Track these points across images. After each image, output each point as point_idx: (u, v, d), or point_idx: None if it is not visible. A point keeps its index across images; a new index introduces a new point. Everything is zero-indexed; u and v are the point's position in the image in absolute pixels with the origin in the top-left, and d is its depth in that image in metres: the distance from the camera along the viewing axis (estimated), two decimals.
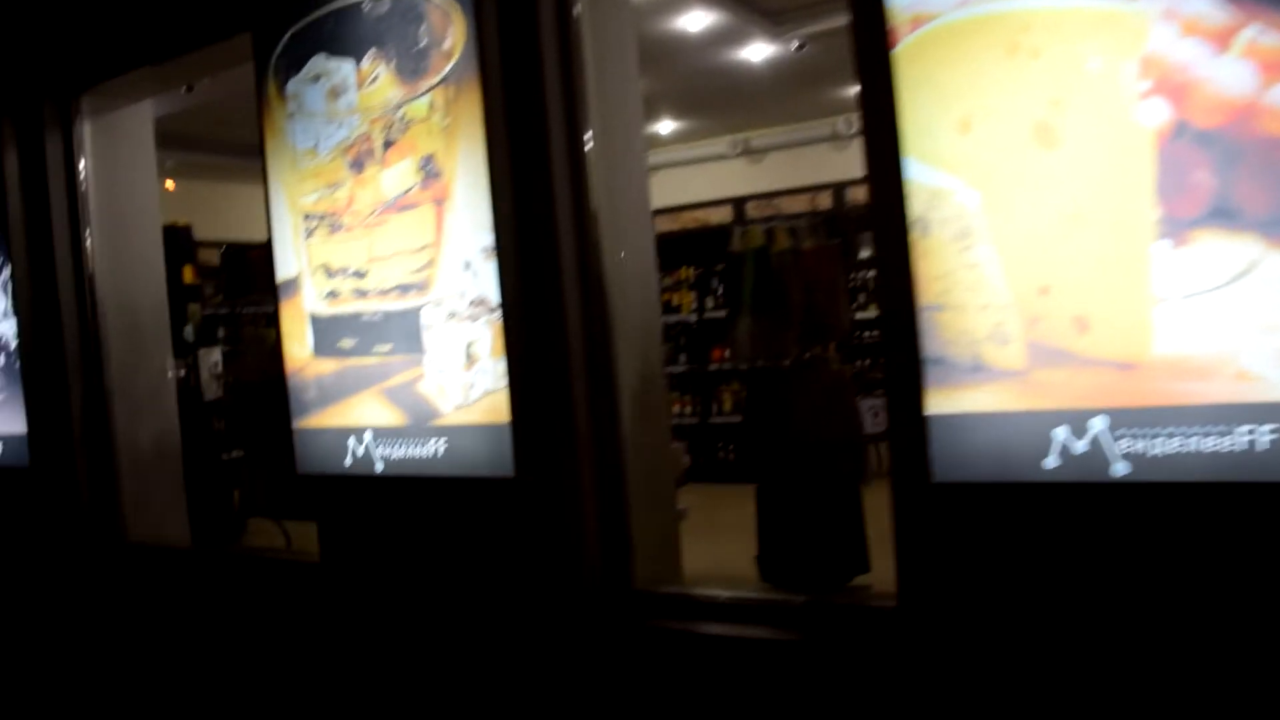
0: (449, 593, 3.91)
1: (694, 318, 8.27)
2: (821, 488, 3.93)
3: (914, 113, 2.88)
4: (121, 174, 5.60)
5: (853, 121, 8.54)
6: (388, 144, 3.77)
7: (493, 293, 3.55)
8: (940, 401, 2.92)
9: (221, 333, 6.14)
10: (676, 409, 7.92)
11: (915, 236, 2.91)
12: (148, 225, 5.72)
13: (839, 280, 4.05)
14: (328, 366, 4.01)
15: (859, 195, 8.33)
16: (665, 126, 9.53)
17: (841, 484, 3.97)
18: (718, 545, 4.82)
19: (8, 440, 5.43)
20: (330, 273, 3.96)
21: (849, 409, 3.96)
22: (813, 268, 3.91)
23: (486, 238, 3.55)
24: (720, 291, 6.64)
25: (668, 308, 8.00)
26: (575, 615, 3.67)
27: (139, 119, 5.71)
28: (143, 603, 5.14)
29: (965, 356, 2.87)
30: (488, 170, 3.54)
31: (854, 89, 3.23)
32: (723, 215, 9.61)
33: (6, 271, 5.33)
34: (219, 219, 8.42)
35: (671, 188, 9.30)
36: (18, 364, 5.33)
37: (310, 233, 4.02)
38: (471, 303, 3.60)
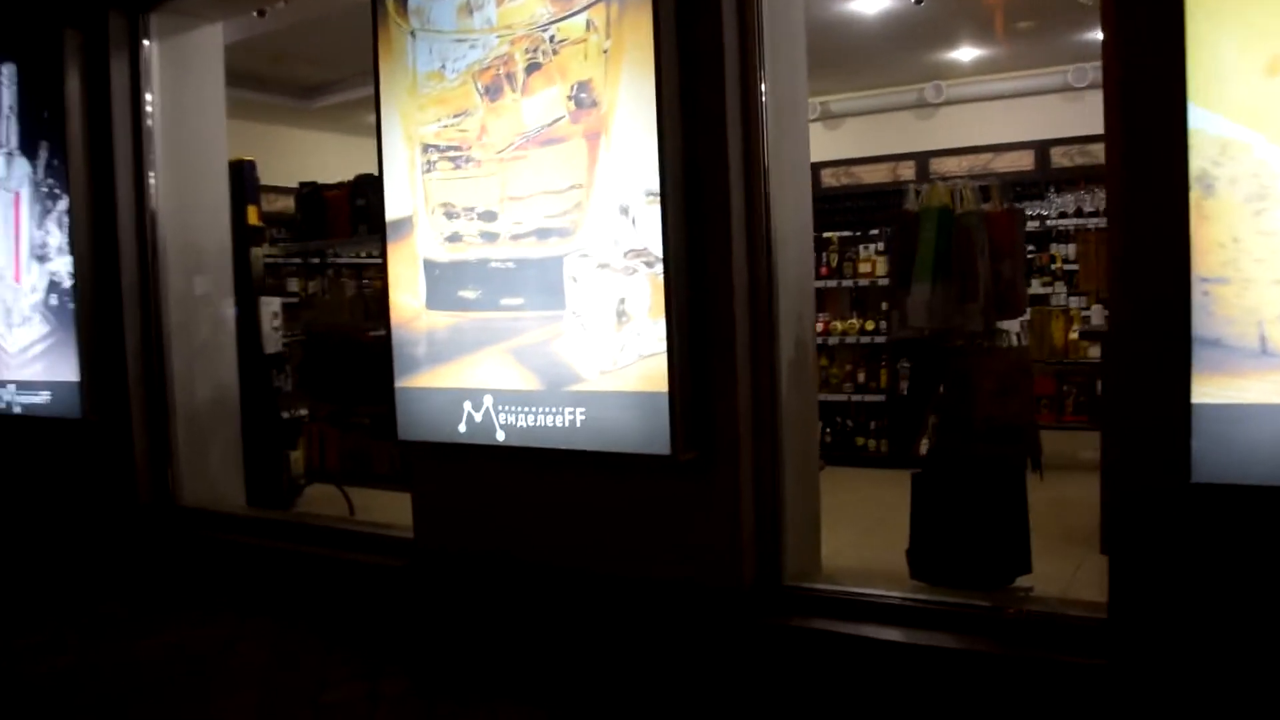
0: (571, 578, 3.48)
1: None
2: (992, 478, 3.51)
3: (1204, 52, 2.44)
4: (189, 102, 5.12)
5: (1087, 72, 7.75)
6: (532, 68, 3.30)
7: (654, 243, 3.10)
8: (1210, 390, 2.49)
9: (296, 283, 5.65)
10: None
11: (1196, 196, 2.47)
12: (214, 160, 5.24)
13: (1023, 249, 3.61)
14: (443, 319, 3.55)
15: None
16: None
17: (1012, 474, 3.56)
18: (849, 534, 4.40)
19: (56, 388, 4.96)
20: (452, 213, 3.50)
21: (1028, 392, 3.54)
22: (1001, 233, 3.46)
23: (650, 180, 3.09)
24: (859, 254, 6.02)
25: None
26: (726, 616, 3.24)
27: (210, 43, 5.22)
28: (199, 576, 4.70)
29: (1249, 339, 2.44)
30: (656, 103, 3.08)
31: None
32: (879, 174, 8.76)
33: (62, 204, 4.85)
34: (269, 164, 7.92)
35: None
36: (71, 305, 4.85)
37: (430, 167, 3.55)
38: (628, 253, 3.15)
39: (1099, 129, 2.90)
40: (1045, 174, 7.81)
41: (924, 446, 3.69)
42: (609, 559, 3.39)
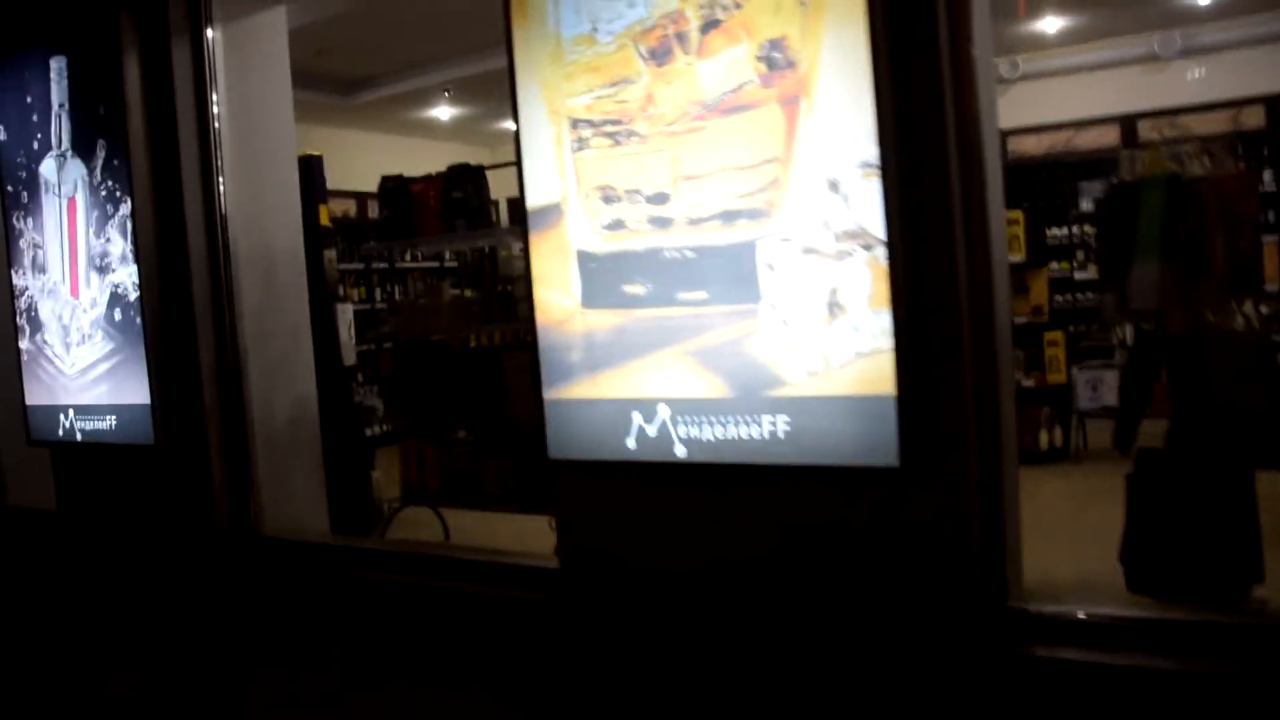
0: (759, 606, 3.03)
1: None
2: (1223, 475, 3.10)
3: None
4: (256, 92, 4.65)
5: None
6: (709, 26, 2.86)
7: (873, 223, 2.66)
8: None
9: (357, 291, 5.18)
10: None
11: None
12: (283, 156, 4.78)
13: (1258, 216, 3.20)
14: (604, 319, 3.10)
15: None
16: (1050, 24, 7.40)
17: (1243, 470, 3.15)
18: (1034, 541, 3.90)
19: (123, 412, 4.49)
20: (612, 197, 3.05)
21: (1272, 380, 3.12)
22: (1234, 201, 3.04)
23: (865, 149, 2.65)
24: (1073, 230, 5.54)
25: None
26: (951, 644, 2.81)
27: (275, 28, 4.75)
28: (291, 613, 4.24)
29: None
30: (872, 58, 2.64)
31: None
32: (1092, 139, 7.79)
33: (124, 208, 4.38)
34: None
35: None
36: (137, 319, 4.38)
37: (581, 145, 3.10)
38: (840, 235, 2.71)
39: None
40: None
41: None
42: (808, 587, 2.95)
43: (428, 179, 4.52)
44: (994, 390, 2.85)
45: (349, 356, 4.90)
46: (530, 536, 4.35)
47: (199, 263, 4.46)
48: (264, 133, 4.67)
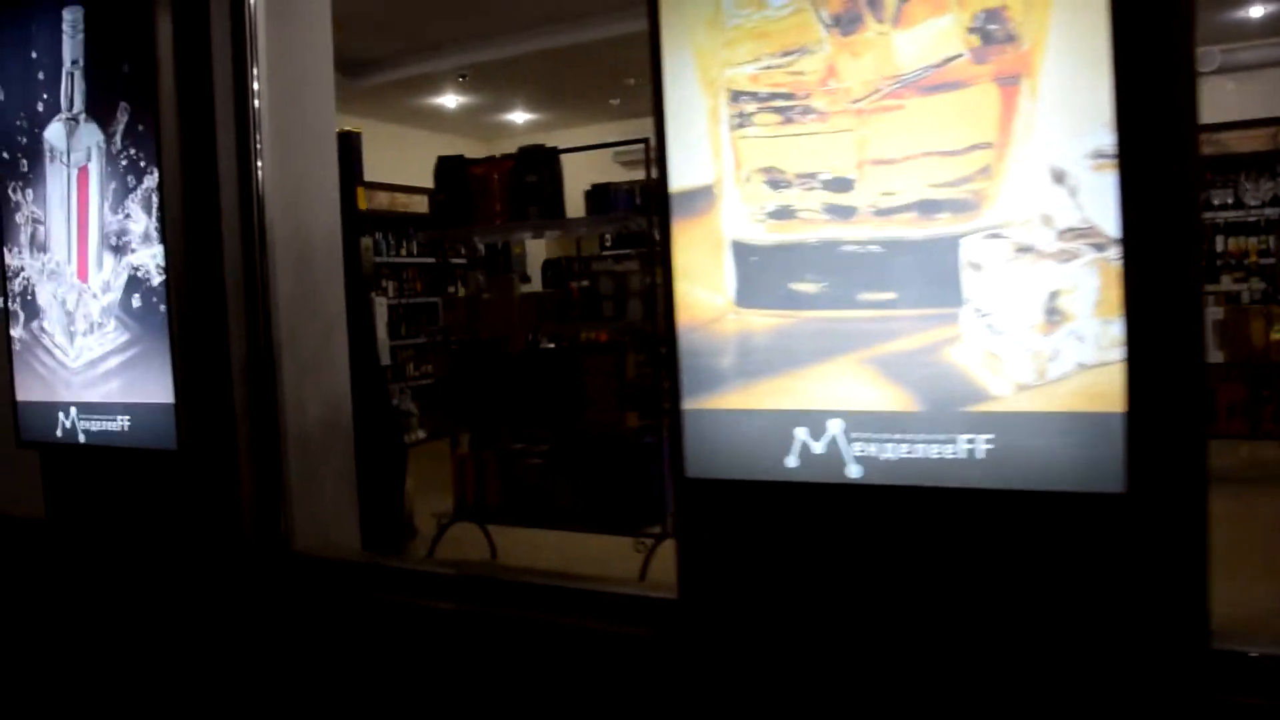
0: (947, 653, 2.70)
1: None
2: None
3: None
4: (297, 56, 4.20)
5: None
6: None
7: (1107, 220, 2.36)
8: None
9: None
10: None
11: None
12: (323, 130, 4.32)
13: None
14: (763, 320, 2.74)
15: None
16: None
17: None
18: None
19: (139, 412, 3.96)
20: (779, 181, 2.70)
21: None
22: None
23: (1100, 137, 2.35)
24: None
25: None
26: (1161, 688, 2.52)
27: None
28: (332, 644, 3.78)
29: None
30: (1111, 35, 2.34)
31: None
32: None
33: (150, 180, 3.86)
34: None
35: None
36: (161, 306, 3.87)
37: (743, 121, 2.74)
38: (1065, 233, 2.40)
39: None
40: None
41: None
42: (1011, 635, 2.62)
43: (491, 161, 4.10)
44: (1208, 402, 2.57)
45: (385, 355, 4.43)
46: (597, 559, 3.97)
47: (232, 245, 3.97)
48: (304, 103, 4.21)
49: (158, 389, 3.91)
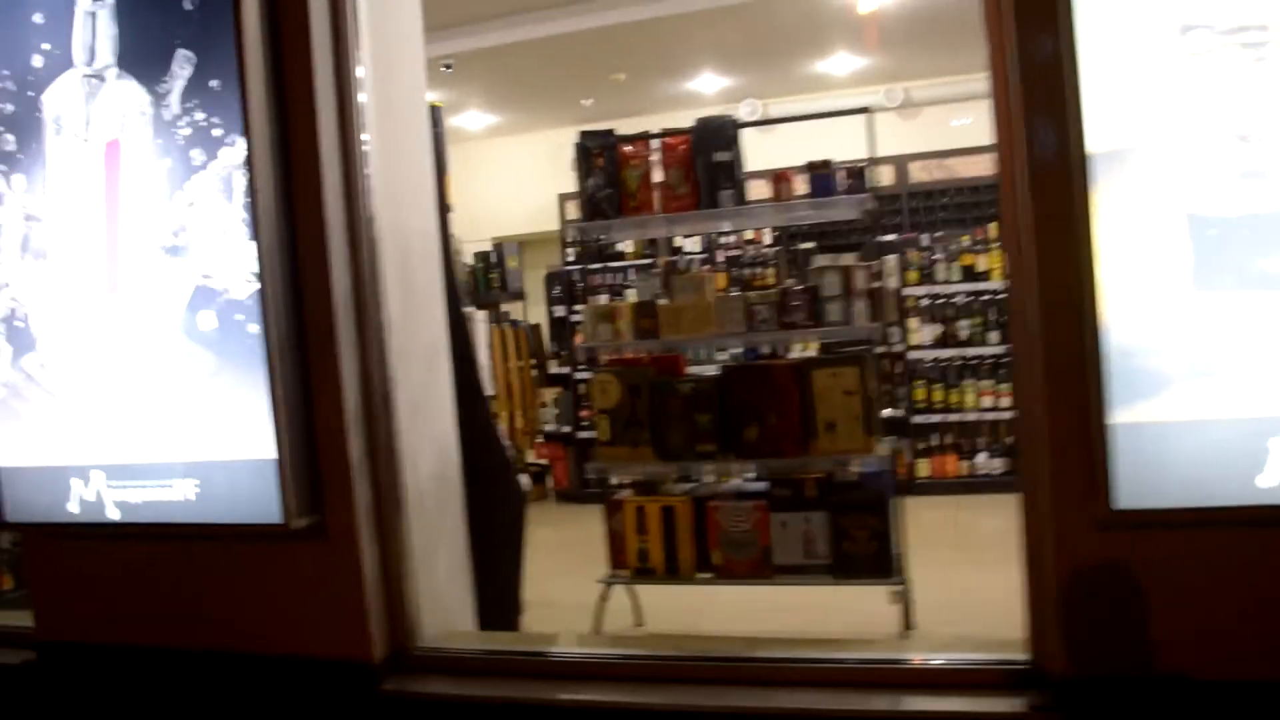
0: None
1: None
2: None
3: None
4: (392, 16, 3.28)
5: None
6: None
7: None
8: None
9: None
10: (990, 401, 6.33)
11: None
12: (416, 103, 3.41)
13: None
14: (1228, 307, 2.20)
15: None
16: None
17: None
18: None
19: (213, 473, 2.91)
20: (1250, 135, 2.17)
21: None
22: None
23: None
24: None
25: (970, 274, 6.38)
26: None
27: None
28: None
29: None
30: None
31: None
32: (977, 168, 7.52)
33: (230, 154, 2.86)
34: None
35: None
36: (251, 326, 2.86)
37: (1197, 59, 2.20)
38: None
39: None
40: None
41: None
42: None
43: (645, 137, 3.35)
44: None
45: (489, 385, 3.55)
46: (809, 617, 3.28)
47: (338, 246, 3.01)
48: (401, 72, 3.30)
49: (243, 440, 2.88)
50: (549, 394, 7.11)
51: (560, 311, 7.23)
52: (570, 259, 7.84)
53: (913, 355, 6.43)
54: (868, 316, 2.96)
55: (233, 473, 2.91)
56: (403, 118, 3.30)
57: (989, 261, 6.42)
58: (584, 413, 6.67)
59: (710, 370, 3.39)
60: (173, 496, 2.97)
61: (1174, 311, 2.23)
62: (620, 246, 7.42)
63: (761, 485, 3.19)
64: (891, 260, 6.28)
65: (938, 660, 2.73)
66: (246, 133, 2.81)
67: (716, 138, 3.14)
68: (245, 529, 2.93)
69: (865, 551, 3.04)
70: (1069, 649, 2.45)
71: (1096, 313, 2.25)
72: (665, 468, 3.15)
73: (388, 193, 3.17)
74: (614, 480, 3.27)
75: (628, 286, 6.97)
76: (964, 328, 6.43)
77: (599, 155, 3.30)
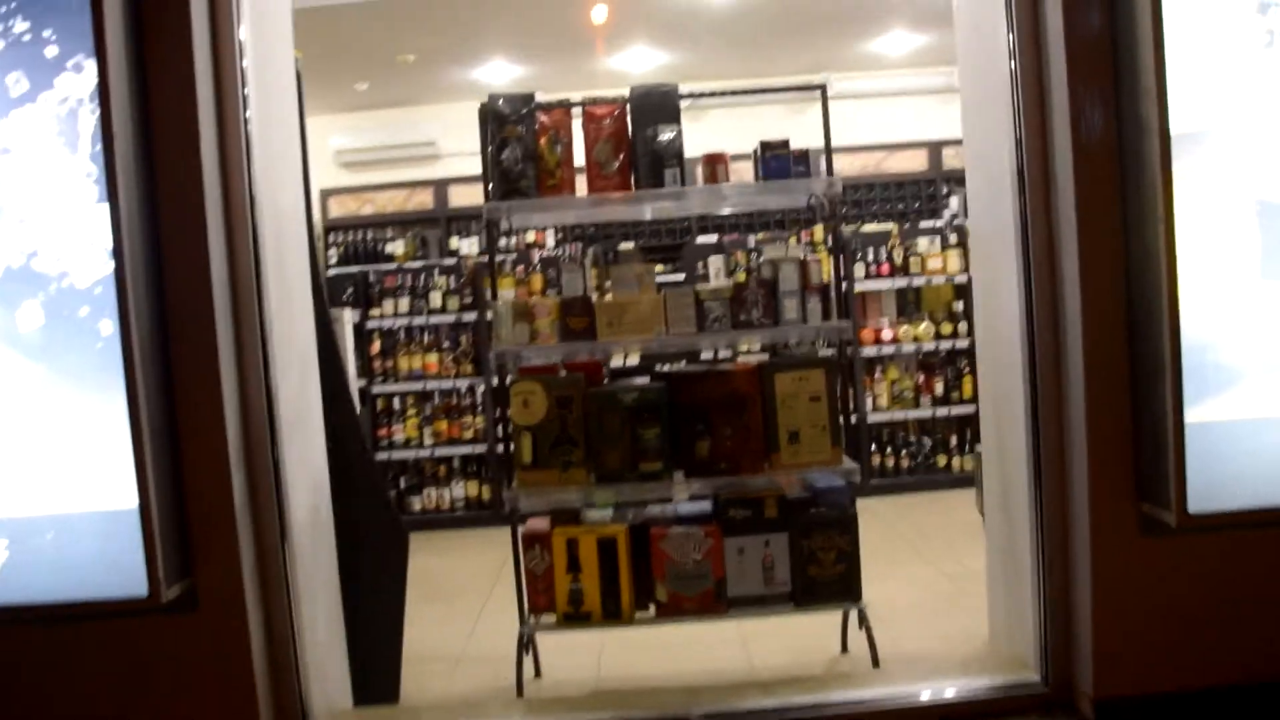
0: None
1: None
2: None
3: None
4: None
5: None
6: None
7: None
8: None
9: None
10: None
11: None
12: (281, 55, 2.72)
13: None
14: None
15: None
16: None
17: None
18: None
19: (33, 531, 2.08)
20: None
21: None
22: None
23: None
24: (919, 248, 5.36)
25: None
26: None
27: None
28: None
29: None
30: None
31: None
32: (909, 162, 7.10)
33: (72, 82, 2.08)
34: None
35: None
36: (103, 324, 2.08)
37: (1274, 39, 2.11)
38: None
39: None
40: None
41: None
42: None
43: (567, 106, 2.86)
44: None
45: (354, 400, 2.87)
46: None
47: (214, 216, 2.29)
48: (268, 21, 2.61)
49: (82, 486, 2.09)
50: None
51: (354, 317, 6.00)
52: (333, 260, 6.85)
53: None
54: (821, 314, 2.69)
55: (66, 530, 2.09)
56: (272, 68, 2.61)
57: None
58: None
59: (639, 379, 2.93)
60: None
61: (1242, 303, 2.12)
62: (390, 248, 6.59)
63: (699, 507, 2.81)
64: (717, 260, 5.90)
65: (949, 693, 2.46)
66: (99, 51, 2.04)
67: (650, 110, 2.71)
68: (84, 608, 2.11)
69: (832, 575, 2.74)
70: (1103, 665, 2.27)
71: (1176, 305, 2.08)
72: (603, 492, 2.66)
73: (264, 157, 2.48)
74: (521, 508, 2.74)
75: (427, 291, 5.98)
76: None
77: (516, 123, 2.75)
